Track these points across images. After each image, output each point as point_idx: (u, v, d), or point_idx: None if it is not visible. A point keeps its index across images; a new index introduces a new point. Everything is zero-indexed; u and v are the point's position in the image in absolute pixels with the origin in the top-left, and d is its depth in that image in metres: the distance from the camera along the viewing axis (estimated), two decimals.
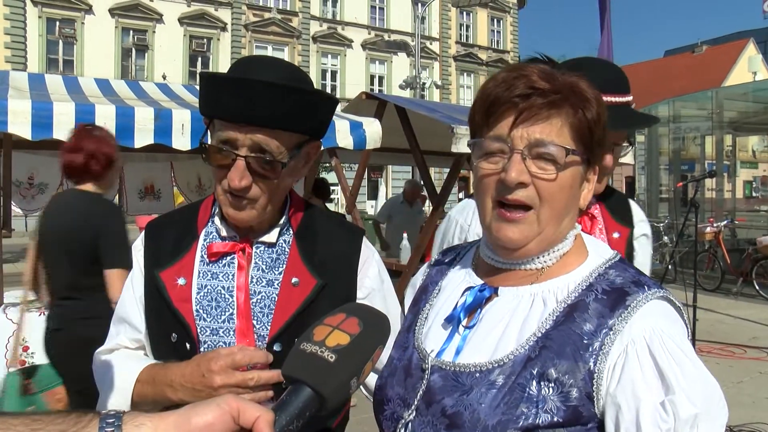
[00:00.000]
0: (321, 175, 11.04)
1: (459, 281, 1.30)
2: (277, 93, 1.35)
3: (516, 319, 1.14)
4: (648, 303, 1.09)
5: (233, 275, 1.49)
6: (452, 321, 1.22)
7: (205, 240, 1.54)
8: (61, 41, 29.00)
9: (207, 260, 1.51)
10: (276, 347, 1.43)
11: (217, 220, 1.55)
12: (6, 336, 4.55)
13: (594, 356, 1.05)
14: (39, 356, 4.61)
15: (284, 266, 1.51)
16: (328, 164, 10.42)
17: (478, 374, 1.11)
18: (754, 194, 42.49)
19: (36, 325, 4.62)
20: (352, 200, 8.40)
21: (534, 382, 1.05)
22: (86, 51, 29.33)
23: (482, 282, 1.24)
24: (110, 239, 3.22)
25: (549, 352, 1.07)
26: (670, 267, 11.25)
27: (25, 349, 4.59)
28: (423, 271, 1.46)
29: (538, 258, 1.19)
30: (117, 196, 6.66)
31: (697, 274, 7.98)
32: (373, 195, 36.82)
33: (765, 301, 10.71)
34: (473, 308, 1.21)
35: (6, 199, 4.86)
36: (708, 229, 12.18)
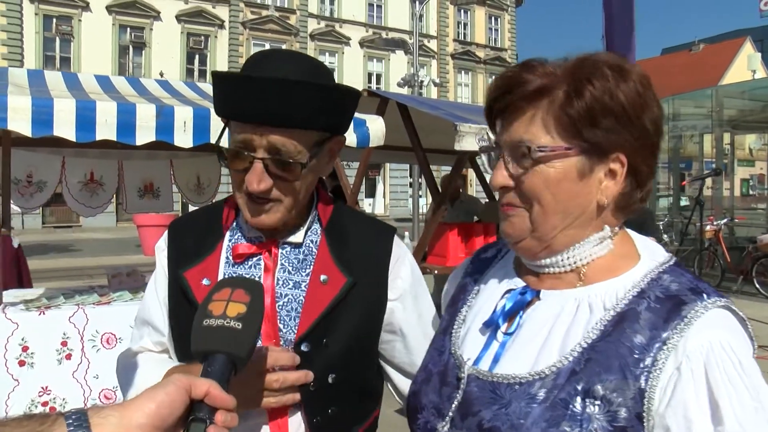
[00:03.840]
0: None
1: (499, 282, 1.23)
2: (290, 89, 1.28)
3: (559, 326, 1.07)
4: (707, 313, 0.99)
5: (260, 277, 1.43)
6: (491, 326, 1.15)
7: (230, 240, 1.48)
8: (57, 38, 28.85)
9: (232, 261, 1.45)
10: (304, 347, 1.38)
11: (241, 219, 1.49)
12: (6, 336, 4.49)
13: (646, 373, 0.96)
14: (39, 356, 4.57)
15: (312, 266, 1.45)
16: None
17: (517, 386, 1.04)
18: (750, 192, 42.63)
19: (36, 325, 4.58)
20: (354, 198, 8.35)
21: (578, 399, 0.98)
22: (83, 48, 29.17)
23: (524, 284, 1.17)
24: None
25: (595, 366, 0.99)
26: None
27: (25, 349, 4.54)
28: (463, 267, 1.39)
29: (561, 258, 1.11)
30: (115, 195, 6.62)
31: (698, 272, 8.00)
32: (370, 193, 36.83)
33: (765, 300, 10.68)
34: (513, 313, 1.13)
35: (5, 198, 4.79)
36: (708, 227, 12.17)
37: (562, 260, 1.12)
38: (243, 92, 1.29)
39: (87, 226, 26.50)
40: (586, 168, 1.07)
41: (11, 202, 5.87)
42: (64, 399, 4.65)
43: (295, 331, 1.40)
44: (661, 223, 13.86)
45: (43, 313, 4.61)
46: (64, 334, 4.61)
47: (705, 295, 1.01)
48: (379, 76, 38.20)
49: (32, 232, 25.56)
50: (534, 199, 1.08)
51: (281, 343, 1.40)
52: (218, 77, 1.35)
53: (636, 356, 0.97)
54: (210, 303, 1.06)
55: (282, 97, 1.27)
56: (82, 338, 4.64)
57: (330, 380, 1.38)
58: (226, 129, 1.42)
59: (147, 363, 1.49)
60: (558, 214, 1.08)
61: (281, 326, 1.41)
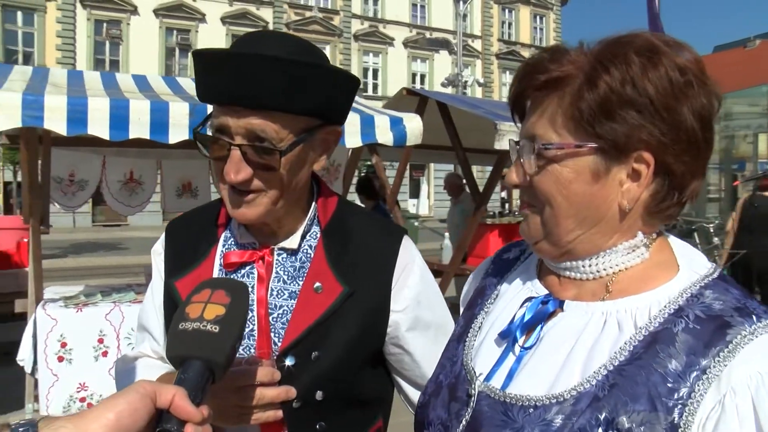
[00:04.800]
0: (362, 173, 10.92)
1: (519, 288, 1.10)
2: (268, 67, 1.15)
3: (583, 343, 0.94)
4: (757, 339, 0.84)
5: (253, 287, 1.32)
6: (507, 338, 1.03)
7: (223, 246, 1.38)
8: (107, 42, 29.60)
9: (225, 270, 1.35)
10: (288, 360, 1.26)
11: (234, 224, 1.38)
12: (45, 332, 4.57)
13: (680, 406, 0.83)
14: (76, 353, 4.63)
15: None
16: (369, 161, 10.32)
17: (531, 410, 0.91)
18: None
19: (74, 321, 4.64)
20: (393, 198, 8.28)
21: (600, 430, 0.85)
22: (131, 51, 29.87)
23: (546, 292, 1.04)
24: None
25: (621, 393, 0.86)
26: (724, 271, 10.85)
27: (63, 345, 4.61)
28: (483, 267, 1.26)
29: (582, 264, 1.00)
30: (161, 193, 6.69)
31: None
32: (415, 194, 36.74)
33: None
34: (533, 324, 1.01)
35: (45, 196, 4.88)
36: None
37: (583, 266, 1.00)
38: (218, 71, 1.18)
39: (134, 224, 27.08)
40: (602, 168, 0.94)
41: (54, 200, 5.99)
42: (101, 395, 4.70)
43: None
44: (712, 225, 13.42)
45: (81, 311, 4.67)
46: (101, 331, 4.67)
47: (755, 317, 0.87)
48: (423, 77, 38.09)
49: (83, 230, 26.28)
50: (545, 201, 0.97)
51: (274, 357, 1.29)
52: (195, 55, 1.24)
53: (669, 385, 0.84)
54: (188, 305, 0.98)
55: (257, 75, 1.15)
56: (118, 336, 4.69)
57: (318, 397, 1.27)
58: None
59: (144, 369, 1.41)
60: (570, 219, 0.96)
61: (275, 339, 1.29)
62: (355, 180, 7.53)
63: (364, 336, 1.33)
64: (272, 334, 1.30)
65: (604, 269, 0.99)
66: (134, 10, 30.06)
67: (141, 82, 5.17)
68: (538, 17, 42.57)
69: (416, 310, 1.38)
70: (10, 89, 3.88)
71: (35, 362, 4.60)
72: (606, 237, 0.97)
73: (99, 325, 4.67)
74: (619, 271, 0.98)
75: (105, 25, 29.52)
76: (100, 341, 4.67)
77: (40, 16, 28.18)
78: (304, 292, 1.30)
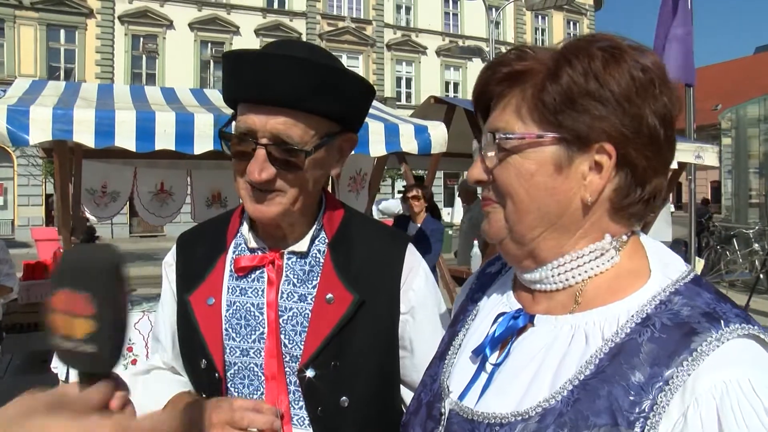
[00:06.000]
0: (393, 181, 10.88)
1: (496, 303, 1.08)
2: (298, 67, 1.21)
3: (551, 359, 0.90)
4: (723, 346, 0.80)
5: (263, 291, 1.36)
6: (480, 354, 1.01)
7: (233, 253, 1.42)
8: (144, 56, 30.24)
9: (236, 275, 1.39)
10: (309, 372, 1.30)
11: (244, 230, 1.42)
12: None
13: (642, 420, 0.79)
14: (143, 358, 4.70)
15: (318, 279, 1.36)
16: (398, 170, 10.32)
17: (498, 428, 0.89)
18: None
19: (138, 325, 4.72)
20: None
21: None
22: (167, 64, 30.47)
23: (518, 306, 1.02)
24: None
25: (583, 408, 0.83)
26: (761, 276, 10.61)
27: (129, 349, 4.69)
28: (468, 283, 1.24)
29: (551, 273, 0.96)
30: (191, 204, 6.79)
31: None
32: (449, 202, 36.63)
33: None
34: (504, 340, 0.99)
35: (75, 207, 4.99)
36: None
37: (552, 275, 0.97)
38: (248, 70, 1.25)
39: (171, 235, 27.51)
40: (564, 159, 0.92)
41: (87, 211, 6.13)
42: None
43: (301, 347, 1.32)
44: (752, 231, 13.11)
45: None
46: (130, 339, 4.73)
47: (722, 322, 0.82)
48: (456, 85, 38.04)
49: (120, 240, 26.78)
50: (507, 195, 0.96)
51: (287, 362, 1.33)
52: (227, 56, 1.31)
53: (632, 398, 0.81)
54: (52, 314, 0.85)
55: (287, 74, 1.21)
56: (146, 344, 4.75)
57: (344, 404, 1.30)
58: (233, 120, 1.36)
59: (151, 384, 1.45)
60: (532, 213, 0.94)
61: (286, 341, 1.33)
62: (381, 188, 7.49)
63: (381, 341, 1.36)
64: (282, 336, 1.33)
65: (573, 277, 0.96)
66: (170, 25, 30.67)
67: (169, 94, 5.27)
68: (571, 23, 42.19)
69: (419, 313, 1.41)
70: (42, 104, 4.00)
71: (68, 370, 4.69)
72: (569, 234, 0.95)
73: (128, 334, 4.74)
74: (588, 278, 0.95)
75: (142, 39, 30.19)
76: (129, 349, 4.73)
77: (81, 33, 28.94)
78: (318, 305, 1.33)
